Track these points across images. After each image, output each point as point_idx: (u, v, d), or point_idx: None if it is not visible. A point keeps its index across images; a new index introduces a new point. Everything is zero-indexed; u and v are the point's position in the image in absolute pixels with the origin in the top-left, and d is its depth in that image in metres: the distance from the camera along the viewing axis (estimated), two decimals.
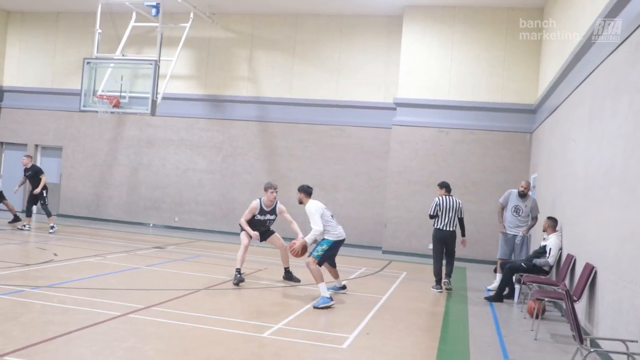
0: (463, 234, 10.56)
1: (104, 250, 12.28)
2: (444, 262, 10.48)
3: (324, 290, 8.20)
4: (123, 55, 16.09)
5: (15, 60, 20.29)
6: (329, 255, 8.78)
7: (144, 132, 18.70)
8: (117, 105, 15.51)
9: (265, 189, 9.84)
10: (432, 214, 10.46)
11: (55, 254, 11.15)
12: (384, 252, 15.69)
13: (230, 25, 18.10)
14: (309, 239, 8.50)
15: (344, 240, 8.88)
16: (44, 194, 14.91)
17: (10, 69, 20.31)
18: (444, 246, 10.46)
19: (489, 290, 10.74)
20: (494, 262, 12.35)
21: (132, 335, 6.14)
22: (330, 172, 17.04)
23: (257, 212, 9.75)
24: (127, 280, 9.34)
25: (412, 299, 9.42)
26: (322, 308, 8.01)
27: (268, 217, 9.88)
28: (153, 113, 15.17)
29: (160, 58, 15.15)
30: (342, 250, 9.11)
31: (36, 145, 20.01)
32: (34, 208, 15.87)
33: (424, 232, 14.80)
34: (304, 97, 17.33)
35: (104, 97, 15.87)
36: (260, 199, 9.86)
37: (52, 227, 14.54)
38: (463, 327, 7.75)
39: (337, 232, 8.70)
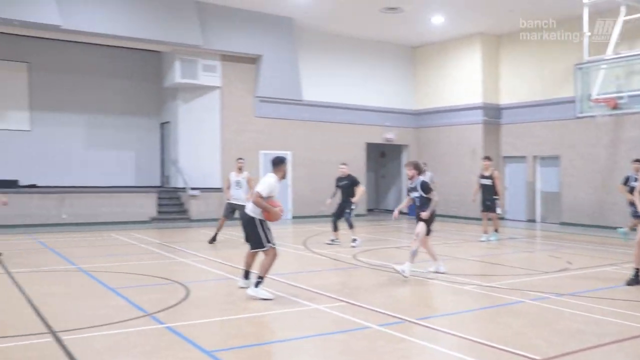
0: None
1: (616, 259, 11.82)
2: None
3: None
4: (617, 54, 15.42)
5: (508, 79, 21.57)
6: None
7: None
8: (615, 106, 14.94)
9: None
10: None
11: (569, 262, 11.29)
12: None
13: None
14: None
15: None
16: (353, 205, 13.68)
17: (505, 88, 21.68)
18: None
19: None
20: None
21: None
22: None
23: None
24: None
25: None
26: None
27: None
28: None
29: None
30: None
31: (534, 157, 20.77)
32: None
33: None
34: None
35: (600, 100, 15.50)
36: None
37: (354, 240, 13.38)
38: None
39: None
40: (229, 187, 13.84)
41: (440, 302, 7.81)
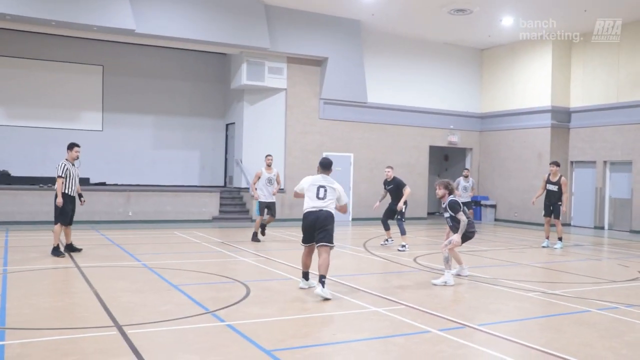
0: None
1: None
2: None
3: None
4: None
5: (579, 82, 20.89)
6: None
7: None
8: None
9: None
10: None
11: None
12: None
13: None
14: None
15: None
16: (404, 209, 13.34)
17: (575, 91, 21.02)
18: None
19: None
20: None
21: None
22: None
23: None
24: None
25: None
26: None
27: None
28: None
29: None
30: None
31: (604, 162, 20.05)
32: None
33: None
34: None
35: None
36: None
37: (403, 246, 13.10)
38: None
39: None
40: (255, 184, 14.26)
41: (502, 308, 7.62)
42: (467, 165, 23.58)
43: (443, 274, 9.26)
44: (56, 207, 11.10)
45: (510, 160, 22.24)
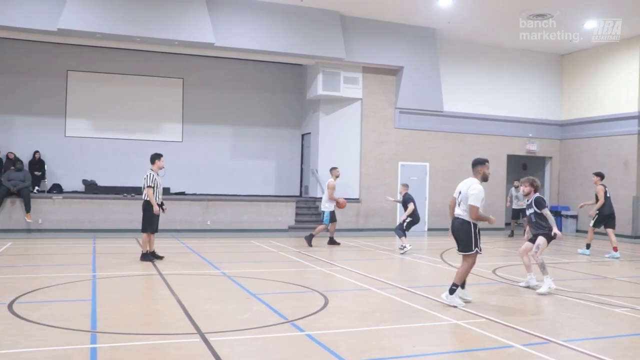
0: None
1: None
2: None
3: None
4: None
5: None
6: None
7: None
8: None
9: None
10: None
11: None
12: None
13: None
14: None
15: None
16: (405, 222, 14.41)
17: None
18: None
19: None
20: None
21: None
22: None
23: None
24: None
25: None
26: None
27: None
28: None
29: None
30: None
31: None
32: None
33: None
34: None
35: None
36: None
37: (402, 247, 14.13)
38: None
39: None
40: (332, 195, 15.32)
41: (589, 324, 7.33)
42: (547, 174, 22.90)
43: (543, 283, 9.24)
44: (145, 215, 11.58)
45: (593, 169, 21.31)
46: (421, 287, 9.50)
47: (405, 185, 15.11)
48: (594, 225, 14.62)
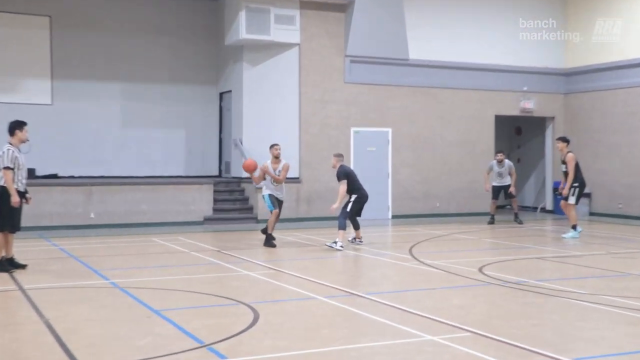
0: None
1: None
2: None
3: None
4: None
5: None
6: None
7: None
8: None
9: None
10: None
11: None
12: None
13: None
14: None
15: None
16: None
17: None
18: None
19: None
20: None
21: None
22: None
23: None
24: None
25: None
26: None
27: None
28: None
29: None
30: None
31: None
32: None
33: None
34: None
35: None
36: None
37: (334, 243, 14.01)
38: None
39: None
40: (259, 181, 15.11)
41: (607, 335, 7.45)
42: (548, 140, 23.30)
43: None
44: (1, 208, 11.07)
45: (610, 133, 21.75)
46: (384, 293, 9.52)
47: (339, 156, 15.08)
48: (576, 202, 16.17)
